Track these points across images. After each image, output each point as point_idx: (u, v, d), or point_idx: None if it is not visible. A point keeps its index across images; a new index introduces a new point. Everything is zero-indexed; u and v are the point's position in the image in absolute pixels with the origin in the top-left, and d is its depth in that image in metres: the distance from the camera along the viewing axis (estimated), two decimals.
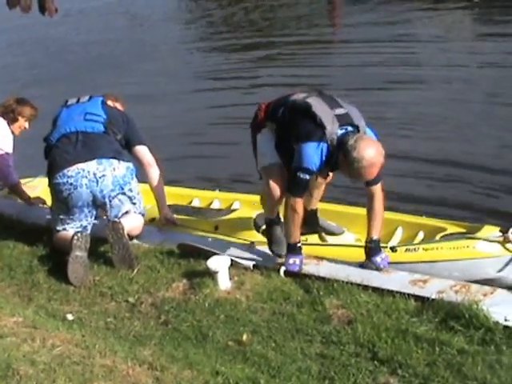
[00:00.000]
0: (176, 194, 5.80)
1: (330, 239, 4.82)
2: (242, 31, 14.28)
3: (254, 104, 4.51)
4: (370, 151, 3.86)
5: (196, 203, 5.79)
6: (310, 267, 4.25)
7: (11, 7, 3.58)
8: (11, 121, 5.49)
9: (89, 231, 4.59)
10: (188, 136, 8.44)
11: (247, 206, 5.51)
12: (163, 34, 14.39)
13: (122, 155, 4.69)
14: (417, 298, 3.80)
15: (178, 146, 8.04)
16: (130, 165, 4.71)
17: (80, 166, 4.52)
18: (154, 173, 4.91)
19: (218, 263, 4.14)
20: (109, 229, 4.38)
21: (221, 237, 4.88)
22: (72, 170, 4.51)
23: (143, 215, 4.81)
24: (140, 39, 14.02)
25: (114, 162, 4.59)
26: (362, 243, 4.69)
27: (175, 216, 5.13)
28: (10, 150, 5.41)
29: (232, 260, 4.22)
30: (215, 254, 4.33)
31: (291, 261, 4.21)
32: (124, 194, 4.62)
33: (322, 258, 4.36)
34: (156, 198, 5.00)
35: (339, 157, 3.96)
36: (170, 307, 3.98)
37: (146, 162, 4.89)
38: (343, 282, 4.00)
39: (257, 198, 5.52)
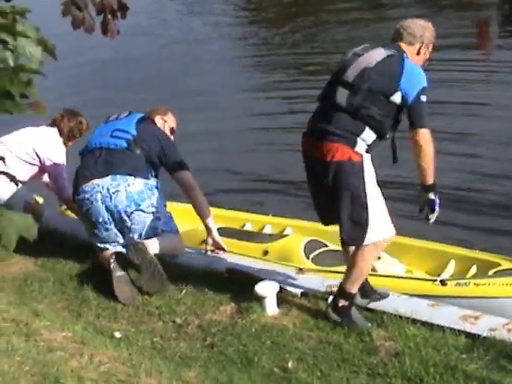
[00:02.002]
0: (229, 217, 5.84)
1: (379, 269, 4.77)
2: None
3: None
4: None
5: (248, 227, 5.81)
6: (357, 298, 4.19)
7: (76, 28, 3.66)
8: (72, 138, 5.61)
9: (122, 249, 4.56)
10: (239, 154, 8.50)
11: (298, 231, 5.50)
12: (216, 52, 14.50)
13: (140, 172, 4.61)
14: (467, 334, 3.72)
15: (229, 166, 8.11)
16: (150, 182, 4.62)
17: (95, 181, 4.56)
18: (197, 197, 4.86)
19: (267, 289, 4.12)
20: (131, 251, 4.35)
21: (269, 262, 4.87)
22: (88, 186, 4.57)
23: (176, 232, 4.74)
24: (193, 56, 14.15)
25: (130, 178, 4.54)
26: (412, 275, 4.65)
27: (225, 239, 5.12)
28: (64, 162, 5.51)
29: (280, 287, 4.21)
30: (263, 279, 4.32)
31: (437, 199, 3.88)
32: (143, 211, 4.53)
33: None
34: (203, 223, 4.97)
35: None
36: (217, 330, 3.98)
37: (188, 187, 4.83)
38: (391, 314, 3.95)
39: (309, 224, 5.53)
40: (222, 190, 7.60)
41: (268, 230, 5.73)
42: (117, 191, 4.50)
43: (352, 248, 3.88)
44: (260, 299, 4.11)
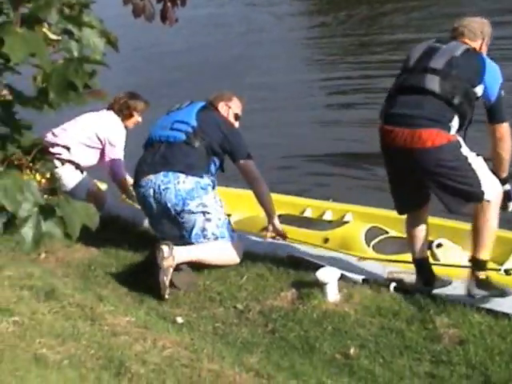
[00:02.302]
0: (288, 203, 5.81)
1: (441, 257, 4.69)
2: None
3: None
4: None
5: (308, 213, 5.79)
6: (420, 285, 4.12)
7: (136, 16, 3.70)
8: (126, 116, 5.68)
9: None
10: (302, 145, 8.46)
11: (359, 218, 5.47)
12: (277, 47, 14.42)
13: (194, 169, 4.56)
14: None
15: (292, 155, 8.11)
16: (204, 180, 4.58)
17: (150, 177, 4.59)
18: (260, 187, 4.82)
19: (328, 275, 4.10)
20: (156, 247, 4.28)
21: (329, 250, 4.85)
22: (144, 180, 4.62)
23: (232, 239, 4.60)
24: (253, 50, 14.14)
25: (181, 176, 4.52)
26: None
27: (285, 226, 5.12)
28: (123, 146, 5.61)
29: (341, 273, 4.19)
30: (324, 265, 4.30)
31: None
32: (191, 210, 4.50)
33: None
34: (265, 212, 4.95)
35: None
36: (278, 316, 3.98)
37: (250, 176, 4.79)
38: (455, 301, 3.89)
39: (369, 210, 5.48)
40: (282, 170, 7.67)
41: (328, 216, 5.68)
42: (166, 188, 4.51)
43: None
44: (321, 285, 4.10)
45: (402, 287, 4.15)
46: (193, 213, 4.50)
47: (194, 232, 4.53)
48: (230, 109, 5.00)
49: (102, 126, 5.54)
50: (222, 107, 4.97)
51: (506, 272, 4.26)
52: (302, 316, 3.94)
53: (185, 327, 3.90)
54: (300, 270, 4.43)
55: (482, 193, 3.79)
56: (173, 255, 4.25)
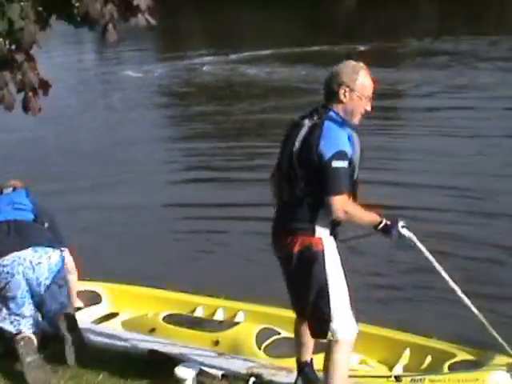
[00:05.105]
0: (179, 301, 5.57)
1: None
2: None
3: None
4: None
5: (199, 312, 5.47)
6: (280, 378, 4.10)
7: None
8: None
9: (31, 330, 4.42)
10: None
11: (251, 317, 5.22)
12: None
13: (54, 243, 4.63)
14: None
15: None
16: (62, 253, 4.64)
17: (15, 254, 4.45)
18: (74, 279, 4.90)
19: (186, 371, 4.07)
20: (61, 320, 4.33)
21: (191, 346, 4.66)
22: (7, 259, 4.44)
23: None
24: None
25: (49, 250, 4.53)
26: (365, 372, 4.43)
27: (173, 327, 4.97)
28: None
29: (200, 369, 4.12)
30: (184, 361, 4.21)
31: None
32: (57, 283, 4.51)
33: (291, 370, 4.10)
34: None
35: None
36: None
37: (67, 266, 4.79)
38: None
39: (261, 308, 5.29)
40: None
41: (220, 314, 5.44)
42: (39, 263, 4.45)
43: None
44: (180, 382, 4.04)
45: (261, 382, 4.07)
46: (58, 285, 4.53)
47: (54, 306, 4.49)
48: None
49: None
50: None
51: (397, 379, 4.15)
52: None
53: None
54: (160, 366, 4.27)
55: (327, 333, 3.57)
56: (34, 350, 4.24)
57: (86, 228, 8.42)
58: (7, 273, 4.41)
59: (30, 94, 3.29)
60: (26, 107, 3.31)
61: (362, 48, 21.29)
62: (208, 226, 8.74)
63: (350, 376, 4.21)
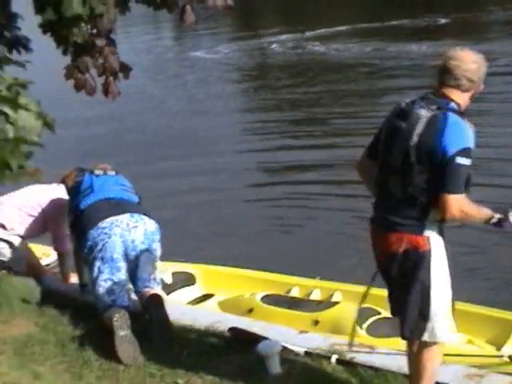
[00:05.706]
0: (274, 282, 5.58)
1: None
2: None
3: None
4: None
5: (295, 292, 5.46)
6: (362, 356, 4.02)
7: (78, 90, 3.68)
8: None
9: (125, 304, 4.56)
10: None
11: (348, 297, 5.13)
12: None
13: (152, 217, 4.86)
14: None
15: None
16: (158, 225, 4.86)
17: (113, 218, 4.71)
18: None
19: (269, 348, 4.02)
20: (149, 299, 4.47)
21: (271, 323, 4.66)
22: (106, 222, 4.69)
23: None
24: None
25: (145, 217, 4.79)
26: (474, 352, 4.42)
27: (270, 307, 5.04)
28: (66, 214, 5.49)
29: (283, 346, 4.06)
30: (266, 338, 4.17)
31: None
32: (152, 252, 4.73)
33: (374, 347, 4.14)
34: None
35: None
36: None
37: None
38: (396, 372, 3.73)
39: (358, 288, 5.13)
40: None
41: (316, 295, 5.38)
42: (135, 226, 4.70)
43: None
44: (263, 359, 3.99)
45: (343, 359, 4.03)
46: (152, 254, 4.74)
47: (147, 275, 4.67)
48: None
49: (47, 198, 5.47)
50: None
51: (511, 358, 4.05)
52: None
53: None
54: (241, 343, 4.28)
55: (422, 333, 3.39)
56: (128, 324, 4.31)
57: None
58: (105, 233, 4.65)
59: (111, 78, 3.35)
60: (106, 91, 3.38)
61: (443, 21, 20.59)
62: (302, 202, 8.75)
63: (460, 355, 4.15)
